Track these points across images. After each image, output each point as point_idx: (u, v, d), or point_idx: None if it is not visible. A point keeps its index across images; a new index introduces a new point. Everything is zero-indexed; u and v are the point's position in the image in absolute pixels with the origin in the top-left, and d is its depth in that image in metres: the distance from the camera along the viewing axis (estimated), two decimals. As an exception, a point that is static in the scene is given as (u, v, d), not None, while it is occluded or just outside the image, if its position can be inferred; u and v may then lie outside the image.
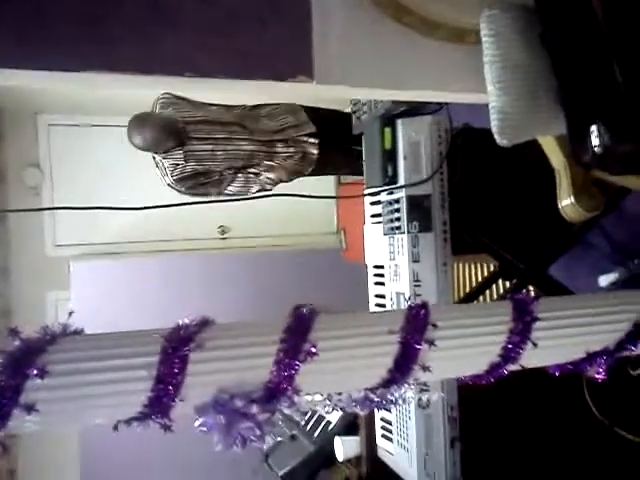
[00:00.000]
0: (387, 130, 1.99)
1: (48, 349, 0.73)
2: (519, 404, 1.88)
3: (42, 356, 0.72)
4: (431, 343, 0.77)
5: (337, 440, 2.38)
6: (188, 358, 0.72)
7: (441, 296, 1.90)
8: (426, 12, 1.41)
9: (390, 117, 1.99)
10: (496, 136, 1.39)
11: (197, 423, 0.76)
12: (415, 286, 1.89)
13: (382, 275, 2.06)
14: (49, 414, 0.73)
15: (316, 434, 2.58)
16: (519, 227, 2.27)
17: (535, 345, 0.82)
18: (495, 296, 2.80)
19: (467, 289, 2.92)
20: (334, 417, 2.54)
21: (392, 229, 2.00)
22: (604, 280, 2.32)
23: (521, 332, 0.81)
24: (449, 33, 1.45)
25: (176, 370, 0.71)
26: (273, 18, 1.34)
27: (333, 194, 3.97)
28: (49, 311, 4.06)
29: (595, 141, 1.18)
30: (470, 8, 1.39)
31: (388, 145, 1.97)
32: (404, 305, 1.86)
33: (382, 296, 2.06)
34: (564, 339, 0.84)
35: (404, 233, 1.92)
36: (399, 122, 1.96)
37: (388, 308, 1.96)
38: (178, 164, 2.45)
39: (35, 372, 0.70)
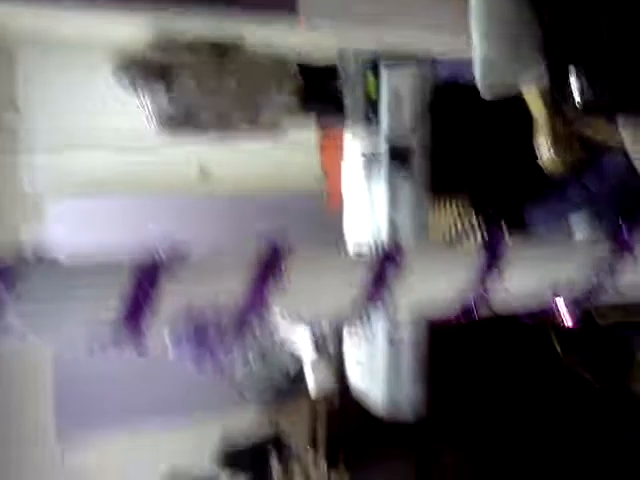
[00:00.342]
0: (371, 79, 1.99)
1: (22, 275, 0.74)
2: (488, 347, 1.94)
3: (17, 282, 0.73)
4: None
5: (307, 368, 2.37)
6: (159, 283, 0.74)
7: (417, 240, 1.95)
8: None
9: (375, 67, 1.99)
10: (480, 88, 1.40)
11: (169, 348, 0.78)
12: (392, 232, 1.93)
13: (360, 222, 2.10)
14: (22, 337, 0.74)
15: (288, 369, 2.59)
16: (499, 178, 2.28)
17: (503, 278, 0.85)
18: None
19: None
20: (305, 354, 2.54)
21: (371, 177, 2.02)
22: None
23: (489, 266, 0.85)
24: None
25: (147, 295, 0.73)
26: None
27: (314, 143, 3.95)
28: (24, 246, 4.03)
29: (575, 90, 1.21)
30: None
31: (372, 94, 1.98)
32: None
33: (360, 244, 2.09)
34: (531, 273, 0.88)
35: (385, 181, 1.95)
36: (383, 71, 1.97)
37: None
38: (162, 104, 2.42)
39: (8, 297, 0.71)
